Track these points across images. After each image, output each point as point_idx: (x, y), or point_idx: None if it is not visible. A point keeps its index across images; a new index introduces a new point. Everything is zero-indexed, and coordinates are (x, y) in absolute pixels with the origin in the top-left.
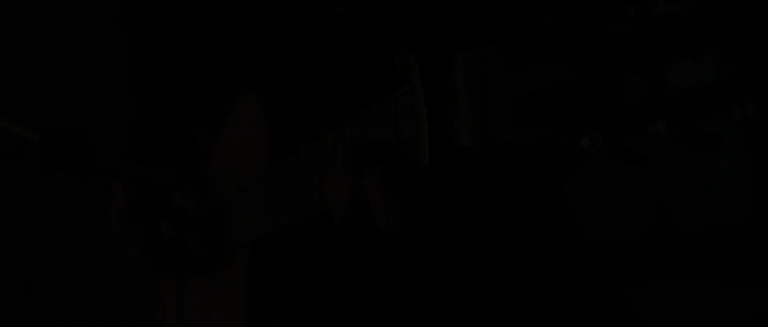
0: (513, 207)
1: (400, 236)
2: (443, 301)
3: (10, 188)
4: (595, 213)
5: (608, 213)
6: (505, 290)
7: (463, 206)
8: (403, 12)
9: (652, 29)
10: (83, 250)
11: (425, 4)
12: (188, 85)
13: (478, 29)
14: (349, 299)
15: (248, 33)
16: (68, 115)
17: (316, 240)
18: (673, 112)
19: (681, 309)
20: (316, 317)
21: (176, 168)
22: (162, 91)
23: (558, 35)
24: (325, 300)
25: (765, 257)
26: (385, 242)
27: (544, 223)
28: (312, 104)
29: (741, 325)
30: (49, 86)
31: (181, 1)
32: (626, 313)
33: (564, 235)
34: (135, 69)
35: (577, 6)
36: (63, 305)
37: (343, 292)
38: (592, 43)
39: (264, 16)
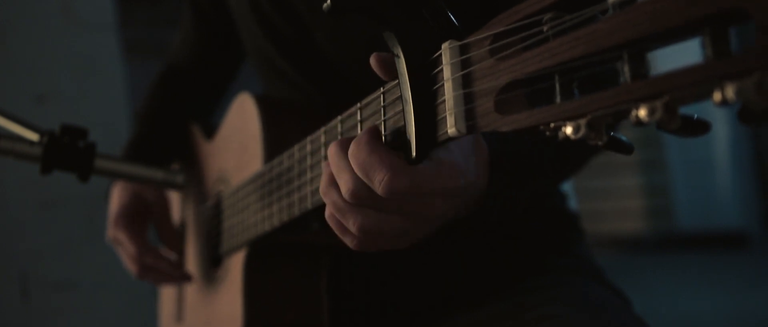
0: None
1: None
2: (433, 298)
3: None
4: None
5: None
6: (501, 290)
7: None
8: (389, 6)
9: (633, 14)
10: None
11: None
12: (186, 84)
13: (464, 21)
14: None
15: (243, 32)
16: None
17: (314, 239)
18: (655, 96)
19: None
20: (314, 315)
21: (175, 168)
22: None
23: (542, 24)
24: (323, 298)
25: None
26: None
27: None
28: (306, 101)
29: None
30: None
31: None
32: (625, 314)
33: (563, 234)
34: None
35: None
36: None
37: (341, 290)
38: (575, 30)
39: (257, 15)
